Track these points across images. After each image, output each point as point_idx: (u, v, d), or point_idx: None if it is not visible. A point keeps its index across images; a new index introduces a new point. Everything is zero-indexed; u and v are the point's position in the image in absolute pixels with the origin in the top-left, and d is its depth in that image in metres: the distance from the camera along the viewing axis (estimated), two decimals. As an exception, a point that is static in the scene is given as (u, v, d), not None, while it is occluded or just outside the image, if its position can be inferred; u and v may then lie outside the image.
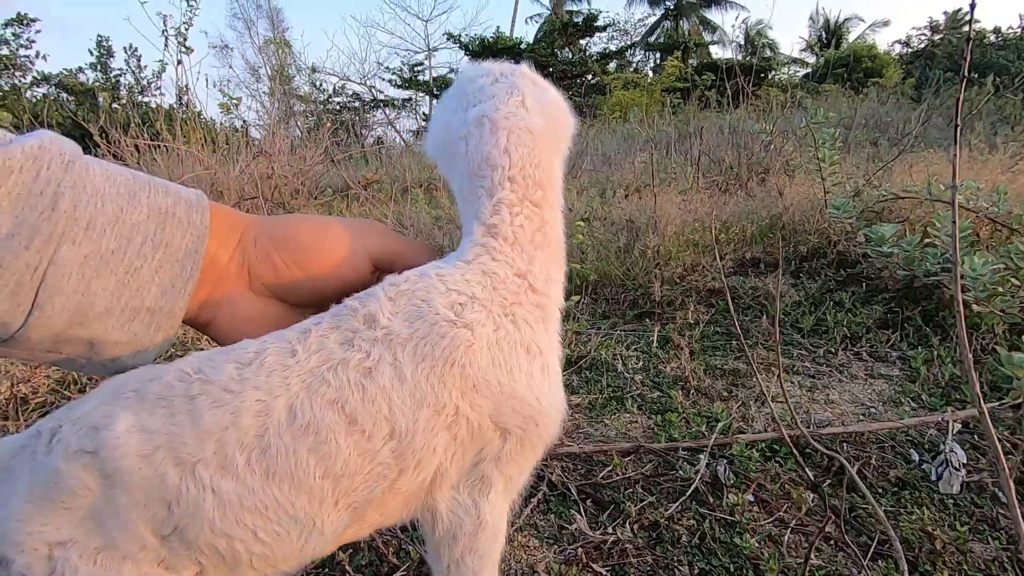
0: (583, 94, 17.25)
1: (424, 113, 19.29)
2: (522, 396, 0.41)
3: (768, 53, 26.74)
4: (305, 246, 0.45)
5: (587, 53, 21.43)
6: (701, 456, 0.94)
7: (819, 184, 2.25)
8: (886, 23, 29.24)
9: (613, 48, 23.53)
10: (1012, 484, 0.57)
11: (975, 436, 1.01)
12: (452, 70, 18.65)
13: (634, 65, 25.90)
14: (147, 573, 0.35)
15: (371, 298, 0.41)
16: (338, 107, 17.70)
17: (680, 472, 0.92)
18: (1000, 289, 1.31)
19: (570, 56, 20.27)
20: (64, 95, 15.24)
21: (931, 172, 2.98)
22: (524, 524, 0.83)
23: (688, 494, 0.87)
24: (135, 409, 0.36)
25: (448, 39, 18.76)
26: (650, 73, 22.88)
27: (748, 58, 25.52)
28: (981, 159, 4.47)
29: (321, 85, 17.62)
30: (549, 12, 27.80)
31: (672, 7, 27.39)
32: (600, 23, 21.14)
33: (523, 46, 18.18)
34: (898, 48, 25.92)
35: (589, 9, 21.90)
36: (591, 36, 22.10)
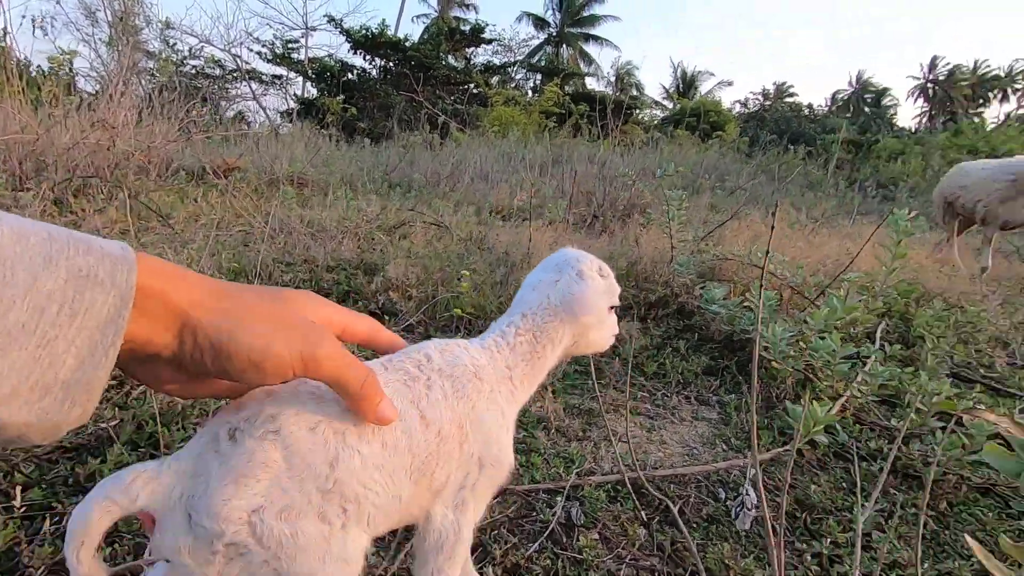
0: (466, 103, 17.38)
1: (296, 94, 18.09)
2: (497, 441, 0.60)
3: (635, 93, 29.35)
4: (240, 368, 0.43)
5: (471, 63, 21.59)
6: (559, 498, 1.07)
7: (668, 238, 2.58)
8: (730, 83, 33.72)
9: (497, 62, 24.06)
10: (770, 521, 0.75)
11: (766, 476, 1.27)
12: (330, 54, 17.76)
13: (516, 82, 26.80)
14: (310, 524, 0.47)
15: (426, 347, 0.60)
16: (194, 71, 15.85)
17: (540, 515, 1.04)
18: (792, 352, 1.65)
19: (455, 63, 20.32)
20: None
21: (754, 233, 3.55)
22: (399, 570, 0.88)
23: (546, 535, 0.99)
24: (293, 401, 0.49)
25: (328, 21, 17.82)
26: (530, 93, 23.83)
27: (618, 94, 27.79)
28: (790, 220, 5.37)
29: (175, 44, 15.64)
30: (436, 15, 27.73)
31: (555, 34, 28.92)
32: (486, 36, 21.45)
33: (408, 43, 17.85)
34: (738, 107, 30.00)
35: (476, 20, 22.17)
36: (477, 47, 22.35)
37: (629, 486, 1.07)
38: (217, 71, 16.68)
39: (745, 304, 1.91)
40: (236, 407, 0.49)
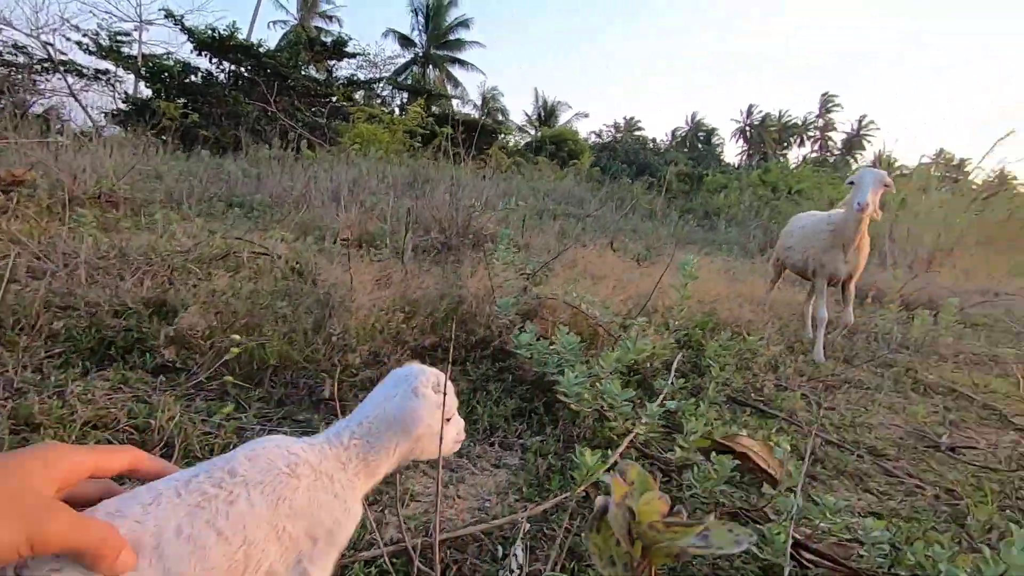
0: (326, 117, 16.70)
1: (126, 92, 16.01)
2: (329, 515, 0.66)
3: (500, 118, 30.39)
4: None
5: (334, 76, 20.91)
6: (321, 584, 1.02)
7: (495, 276, 2.66)
8: (586, 115, 36.31)
9: (362, 77, 23.56)
10: None
11: (544, 527, 1.33)
12: (169, 52, 16.08)
13: (382, 99, 26.43)
14: None
15: (233, 459, 0.62)
16: (-12, 56, 13.31)
17: (295, 607, 0.97)
18: (587, 395, 1.76)
19: (316, 74, 19.51)
20: None
21: (583, 268, 3.80)
22: None
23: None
24: None
25: (166, 16, 16.10)
26: (397, 111, 23.56)
27: (484, 118, 28.55)
28: (626, 251, 5.83)
29: (-40, 23, 13.02)
30: (296, 23, 26.45)
31: (421, 54, 28.99)
32: (350, 49, 20.91)
33: (262, 49, 16.74)
34: (593, 138, 32.35)
35: (340, 32, 21.51)
36: (339, 60, 21.71)
37: (387, 561, 1.05)
38: (21, 58, 14.19)
39: (553, 347, 2.01)
40: None
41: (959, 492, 1.86)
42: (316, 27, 28.55)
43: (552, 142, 22.06)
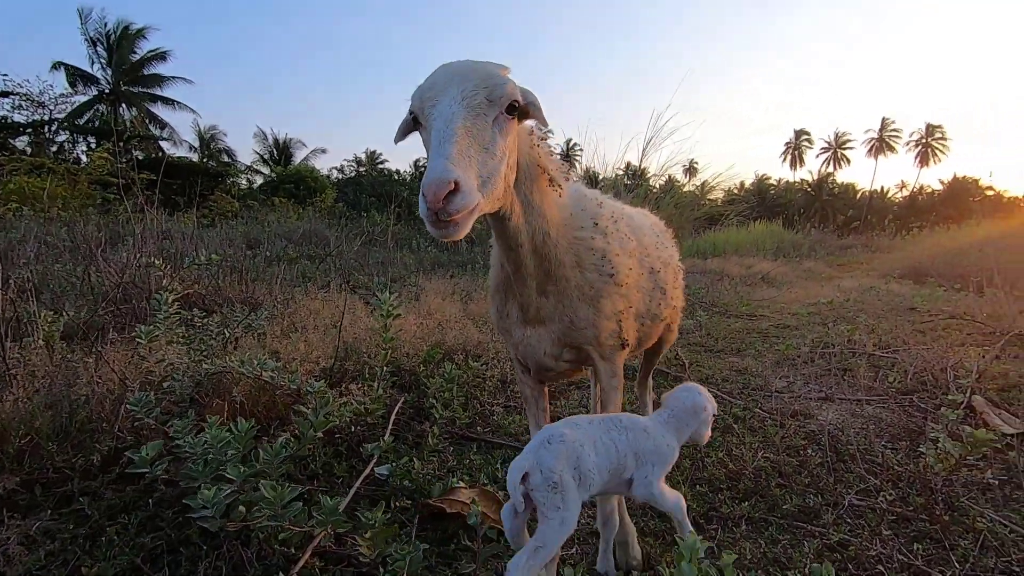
0: (-37, 171, 12.76)
1: None
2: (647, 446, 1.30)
3: (226, 159, 27.31)
4: None
5: (-29, 120, 16.34)
6: None
7: (147, 359, 2.02)
8: (324, 151, 34.99)
9: (22, 120, 18.91)
10: None
11: None
12: None
13: (58, 146, 21.47)
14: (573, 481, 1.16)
15: (620, 419, 1.31)
16: None
17: None
18: (242, 507, 1.32)
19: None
20: None
21: (292, 322, 3.29)
22: None
23: None
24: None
25: None
26: (83, 159, 19.29)
27: (204, 160, 25.22)
28: (364, 286, 5.42)
29: None
30: (-102, 52, 19.79)
31: (108, 91, 24.24)
32: (-2, 88, 16.58)
33: None
34: (335, 173, 31.28)
35: (-27, 66, 16.83)
36: (-21, 102, 17.07)
37: None
38: None
39: (205, 446, 1.52)
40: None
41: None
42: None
43: (289, 181, 20.56)
